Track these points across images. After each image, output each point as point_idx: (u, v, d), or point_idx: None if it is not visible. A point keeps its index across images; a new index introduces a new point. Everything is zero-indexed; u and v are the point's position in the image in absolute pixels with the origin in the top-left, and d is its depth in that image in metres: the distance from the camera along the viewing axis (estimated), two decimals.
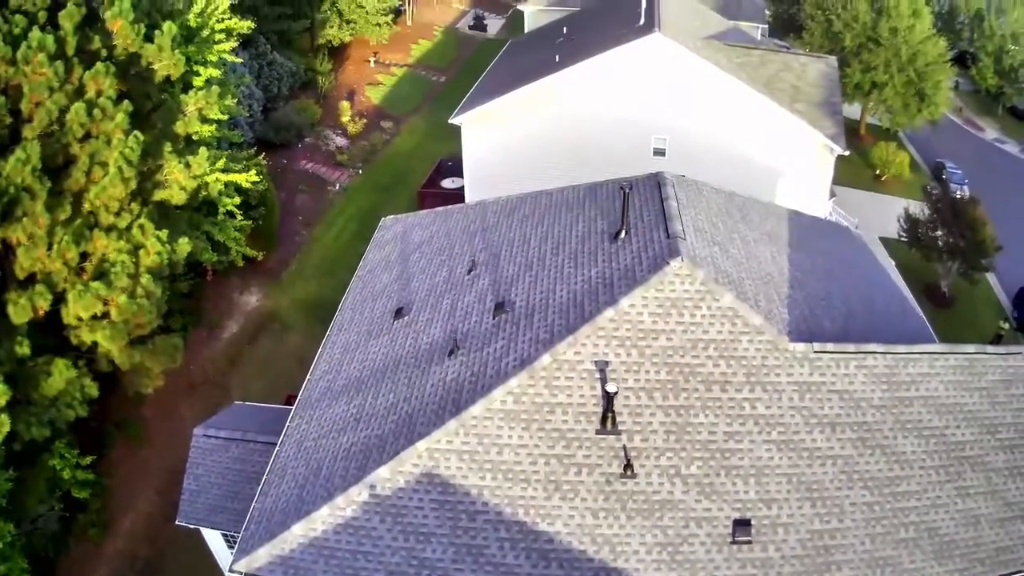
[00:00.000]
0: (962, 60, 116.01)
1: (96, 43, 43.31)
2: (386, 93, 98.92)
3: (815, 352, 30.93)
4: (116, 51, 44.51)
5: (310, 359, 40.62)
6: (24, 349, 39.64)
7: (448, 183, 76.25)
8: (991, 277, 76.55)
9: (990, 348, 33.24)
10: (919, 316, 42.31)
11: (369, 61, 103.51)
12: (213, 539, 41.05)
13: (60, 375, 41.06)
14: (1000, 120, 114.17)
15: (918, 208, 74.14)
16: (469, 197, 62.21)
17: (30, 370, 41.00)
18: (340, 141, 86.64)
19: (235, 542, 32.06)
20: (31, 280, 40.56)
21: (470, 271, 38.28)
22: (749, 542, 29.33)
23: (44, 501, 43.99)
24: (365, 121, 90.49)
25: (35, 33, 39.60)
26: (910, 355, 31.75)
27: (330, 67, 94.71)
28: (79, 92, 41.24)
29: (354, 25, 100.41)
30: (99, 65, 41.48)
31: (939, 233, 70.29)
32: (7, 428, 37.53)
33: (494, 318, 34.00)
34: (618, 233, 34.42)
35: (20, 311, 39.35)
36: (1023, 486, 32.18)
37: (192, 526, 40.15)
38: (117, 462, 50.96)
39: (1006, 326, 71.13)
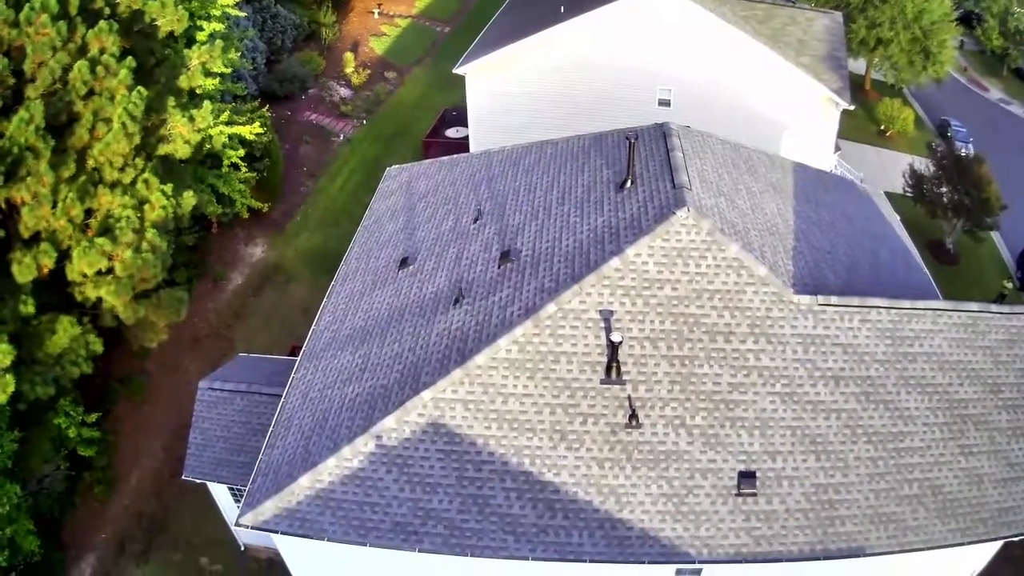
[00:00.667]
0: (967, 20, 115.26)
1: (99, 2, 43.06)
2: (390, 44, 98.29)
3: (819, 305, 30.98)
4: (119, 9, 44.24)
5: (315, 310, 40.61)
6: (29, 308, 39.54)
7: (452, 133, 76.00)
8: (996, 236, 76.24)
9: (994, 307, 33.33)
10: (923, 272, 42.18)
11: (373, 12, 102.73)
12: (220, 493, 41.13)
13: (65, 332, 41.00)
14: (1004, 81, 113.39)
15: (923, 164, 73.96)
16: (474, 146, 62.18)
17: (35, 328, 40.91)
18: (344, 92, 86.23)
19: (242, 495, 32.16)
20: (36, 239, 40.42)
21: (476, 220, 38.27)
22: (754, 494, 29.53)
23: (50, 461, 43.81)
24: (369, 72, 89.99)
25: None
26: (914, 311, 31.82)
27: (334, 19, 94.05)
28: (82, 51, 41.02)
29: None
30: (102, 23, 41.21)
31: (944, 190, 70.00)
32: (12, 388, 37.47)
33: (499, 267, 33.99)
34: (624, 182, 34.32)
35: (24, 270, 39.24)
36: None
37: (198, 481, 40.24)
38: (122, 418, 50.85)
39: (1009, 285, 70.61)
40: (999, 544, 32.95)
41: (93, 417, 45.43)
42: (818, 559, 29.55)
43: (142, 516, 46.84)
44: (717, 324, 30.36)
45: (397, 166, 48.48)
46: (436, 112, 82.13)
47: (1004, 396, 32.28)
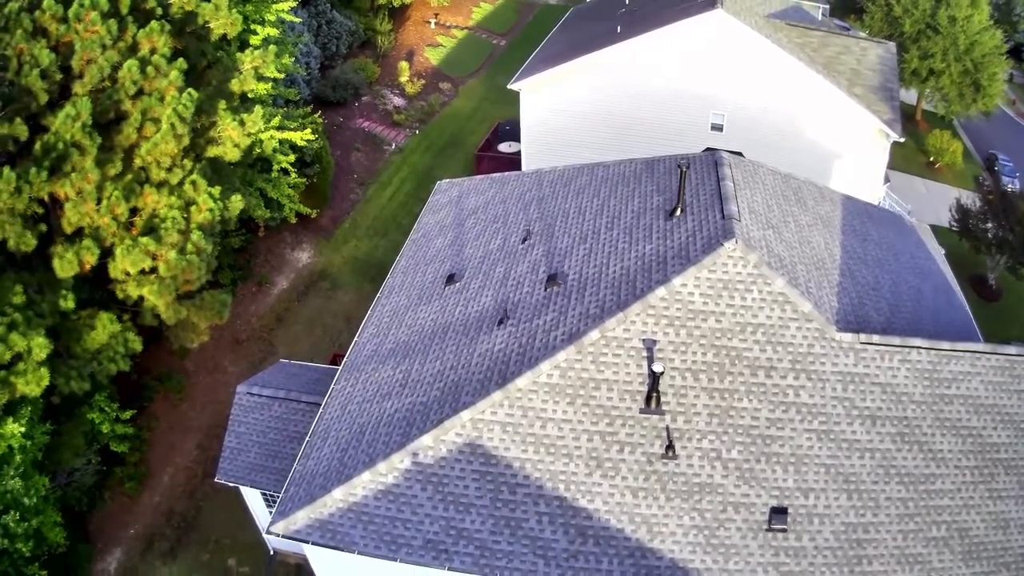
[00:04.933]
0: (1017, 53, 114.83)
1: (152, 2, 43.34)
2: (445, 55, 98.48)
3: (861, 343, 30.88)
4: (172, 10, 44.50)
5: (358, 318, 40.74)
6: (69, 303, 39.65)
7: (505, 147, 76.07)
8: None
9: None
10: (965, 310, 42.05)
11: (429, 22, 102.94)
12: (252, 497, 41.17)
13: (104, 329, 41.12)
14: None
15: (969, 198, 73.66)
16: (526, 162, 62.43)
17: (73, 324, 41.10)
18: (397, 101, 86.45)
19: (274, 502, 32.29)
20: (78, 234, 40.61)
21: (524, 240, 38.34)
22: (785, 530, 29.50)
23: (81, 455, 44.07)
24: (423, 82, 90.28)
25: None
26: (953, 352, 31.66)
27: (390, 27, 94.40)
28: (132, 49, 41.23)
29: None
30: (153, 23, 41.44)
31: (989, 225, 69.83)
32: (47, 381, 37.67)
33: (546, 290, 34.08)
34: (674, 210, 34.41)
35: (66, 265, 39.39)
36: None
37: (231, 484, 40.39)
38: (157, 416, 51.22)
39: None
40: None
41: (128, 414, 45.86)
42: None
43: (172, 514, 47.18)
44: (759, 358, 30.36)
45: (448, 180, 48.56)
46: (489, 125, 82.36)
47: None
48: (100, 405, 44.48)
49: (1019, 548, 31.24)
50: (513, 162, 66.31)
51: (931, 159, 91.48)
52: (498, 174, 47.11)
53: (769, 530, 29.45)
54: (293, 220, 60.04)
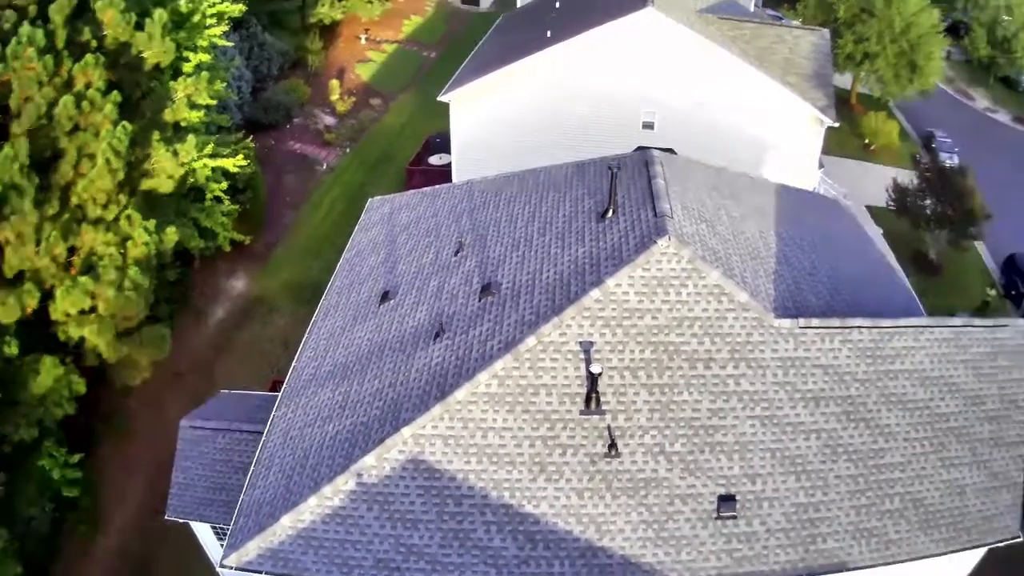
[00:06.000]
0: (955, 30, 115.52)
1: (86, 34, 43.14)
2: (376, 70, 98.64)
3: (800, 328, 31.13)
4: (106, 41, 44.33)
5: (296, 342, 40.54)
6: (12, 349, 39.46)
7: (436, 160, 75.97)
8: (979, 244, 76.56)
9: (976, 321, 33.66)
10: (906, 287, 42.35)
11: (360, 38, 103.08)
12: (203, 532, 40.96)
13: (48, 373, 40.91)
14: (991, 90, 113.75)
15: (907, 177, 74.10)
16: (456, 174, 61.98)
17: (17, 369, 40.81)
18: (329, 120, 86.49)
19: (225, 534, 32.02)
20: (19, 278, 40.36)
21: (457, 252, 38.26)
22: (734, 517, 29.74)
23: (35, 503, 43.77)
24: (354, 99, 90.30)
25: (25, 28, 39.51)
26: (895, 329, 32.00)
27: (321, 46, 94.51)
28: (68, 84, 41.07)
29: (346, 2, 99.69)
30: (88, 57, 41.33)
31: (928, 202, 70.27)
32: None
33: (480, 300, 34.07)
34: (605, 212, 34.46)
35: (8, 310, 39.19)
36: (1008, 456, 32.67)
37: (181, 520, 40.09)
38: (105, 457, 50.81)
39: (993, 293, 71.26)
40: (983, 551, 33.03)
41: (76, 458, 45.45)
42: None
43: (128, 555, 46.93)
44: (697, 351, 30.51)
45: (379, 197, 48.41)
46: (420, 139, 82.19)
47: (986, 408, 32.60)
48: (49, 451, 44.19)
49: (978, 512, 31.69)
50: (444, 174, 66.00)
51: (867, 141, 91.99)
52: (429, 188, 46.99)
53: (718, 518, 29.63)
54: (228, 248, 59.78)
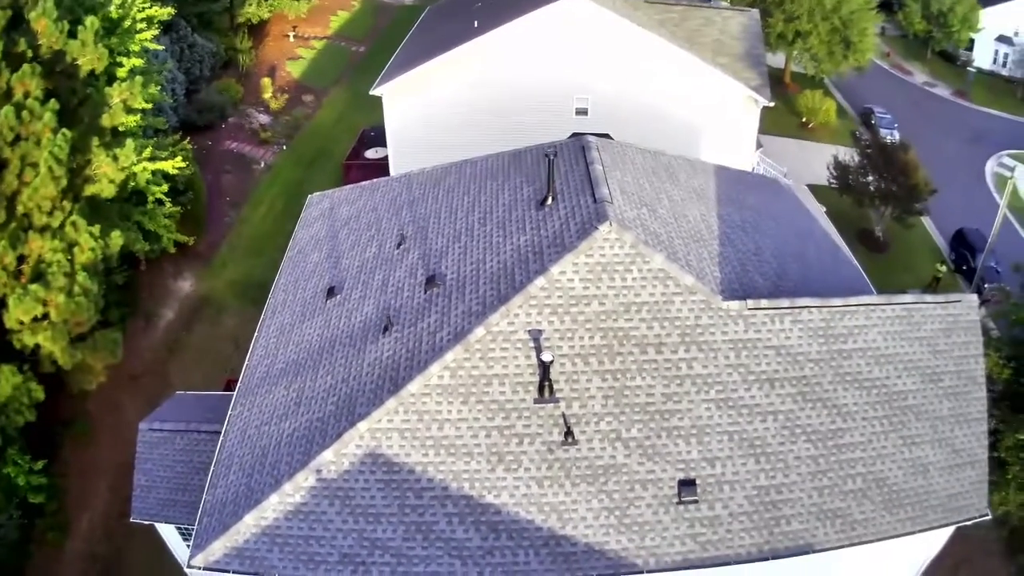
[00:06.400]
0: (888, 6, 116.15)
1: (22, 45, 43.01)
2: (306, 67, 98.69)
3: (749, 309, 31.12)
4: (41, 50, 44.20)
5: (247, 341, 40.47)
6: None
7: (372, 153, 76.15)
8: (926, 220, 77.12)
9: (928, 297, 33.69)
10: (854, 265, 42.55)
11: (288, 36, 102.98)
12: (169, 533, 40.84)
13: (7, 382, 40.93)
14: (929, 64, 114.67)
15: (847, 154, 74.69)
16: (394, 167, 61.79)
17: None
18: (263, 118, 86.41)
19: (190, 535, 32.04)
20: None
21: (399, 245, 38.09)
22: (695, 501, 29.66)
23: (2, 511, 43.71)
24: (287, 96, 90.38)
25: None
26: (846, 308, 32.02)
27: (250, 45, 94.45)
28: (7, 95, 40.95)
29: (273, 1, 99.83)
30: (25, 67, 41.25)
31: (870, 179, 70.79)
32: None
33: (426, 292, 33.90)
34: (545, 200, 34.35)
35: None
36: (970, 433, 32.71)
37: (146, 522, 39.97)
38: (68, 462, 50.86)
39: (943, 268, 71.78)
40: (951, 530, 33.21)
41: (40, 464, 45.46)
42: (766, 559, 29.78)
43: (96, 559, 47.06)
44: (647, 336, 30.45)
45: (319, 193, 48.17)
46: (355, 133, 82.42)
47: (944, 384, 32.63)
48: (13, 458, 44.15)
49: (943, 490, 31.78)
50: (382, 168, 65.68)
51: (804, 120, 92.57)
52: (368, 182, 46.88)
53: (680, 503, 29.59)
54: (172, 250, 60.26)
